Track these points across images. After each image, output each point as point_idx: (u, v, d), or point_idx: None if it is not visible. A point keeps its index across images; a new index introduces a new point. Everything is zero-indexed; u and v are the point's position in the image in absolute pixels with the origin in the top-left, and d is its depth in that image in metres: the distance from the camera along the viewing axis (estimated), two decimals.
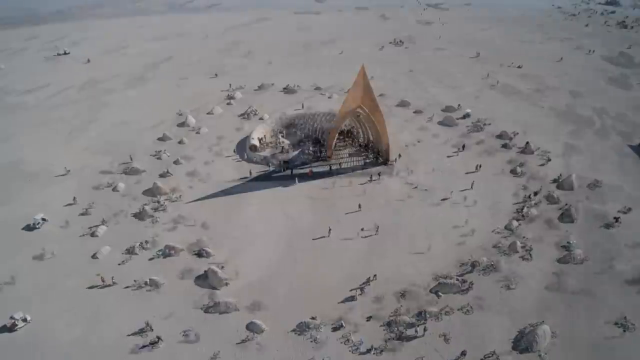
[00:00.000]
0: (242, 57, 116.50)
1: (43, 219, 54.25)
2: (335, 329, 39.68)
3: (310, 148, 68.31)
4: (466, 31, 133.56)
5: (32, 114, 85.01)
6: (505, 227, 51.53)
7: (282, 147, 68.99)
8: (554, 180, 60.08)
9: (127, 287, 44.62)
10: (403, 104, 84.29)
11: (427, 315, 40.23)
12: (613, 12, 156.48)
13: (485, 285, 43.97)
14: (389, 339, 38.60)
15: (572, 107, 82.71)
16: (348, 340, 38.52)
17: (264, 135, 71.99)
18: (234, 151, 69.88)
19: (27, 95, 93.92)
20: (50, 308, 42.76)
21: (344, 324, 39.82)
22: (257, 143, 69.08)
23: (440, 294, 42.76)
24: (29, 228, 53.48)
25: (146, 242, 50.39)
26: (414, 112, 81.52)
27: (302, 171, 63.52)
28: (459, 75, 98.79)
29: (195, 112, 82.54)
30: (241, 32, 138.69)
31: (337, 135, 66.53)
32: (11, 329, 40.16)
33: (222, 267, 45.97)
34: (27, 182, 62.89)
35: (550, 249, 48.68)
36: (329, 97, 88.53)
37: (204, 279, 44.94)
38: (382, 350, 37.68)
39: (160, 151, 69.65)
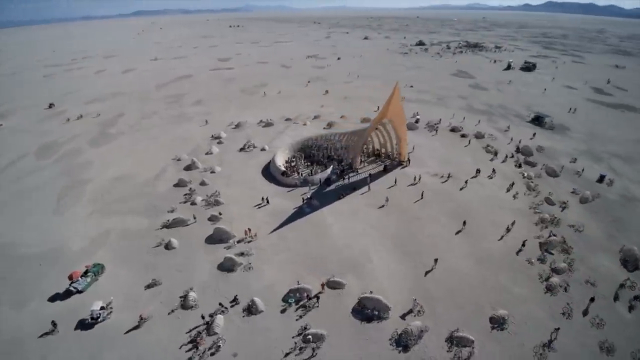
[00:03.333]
0: (195, 105, 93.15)
1: (103, 308, 30.33)
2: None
3: (336, 164, 54.93)
4: (352, 70, 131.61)
5: None
6: (528, 188, 47.65)
7: (311, 169, 54.22)
8: (517, 150, 59.37)
9: (288, 354, 26.41)
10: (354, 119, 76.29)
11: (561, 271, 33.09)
12: (426, 49, 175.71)
13: (565, 234, 38.61)
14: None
15: (470, 105, 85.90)
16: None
17: (287, 160, 55.98)
18: (264, 178, 52.32)
19: None
20: None
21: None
22: (283, 169, 53.05)
23: (551, 251, 35.85)
24: (87, 325, 29.20)
25: (256, 296, 31.67)
26: None
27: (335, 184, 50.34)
28: (375, 97, 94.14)
29: (194, 155, 60.69)
30: (174, 88, 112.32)
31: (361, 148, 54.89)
32: None
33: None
34: (40, 267, 35.86)
35: (567, 196, 46.24)
36: (304, 125, 75.19)
37: (372, 319, 29.22)
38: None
39: (189, 195, 48.10)
